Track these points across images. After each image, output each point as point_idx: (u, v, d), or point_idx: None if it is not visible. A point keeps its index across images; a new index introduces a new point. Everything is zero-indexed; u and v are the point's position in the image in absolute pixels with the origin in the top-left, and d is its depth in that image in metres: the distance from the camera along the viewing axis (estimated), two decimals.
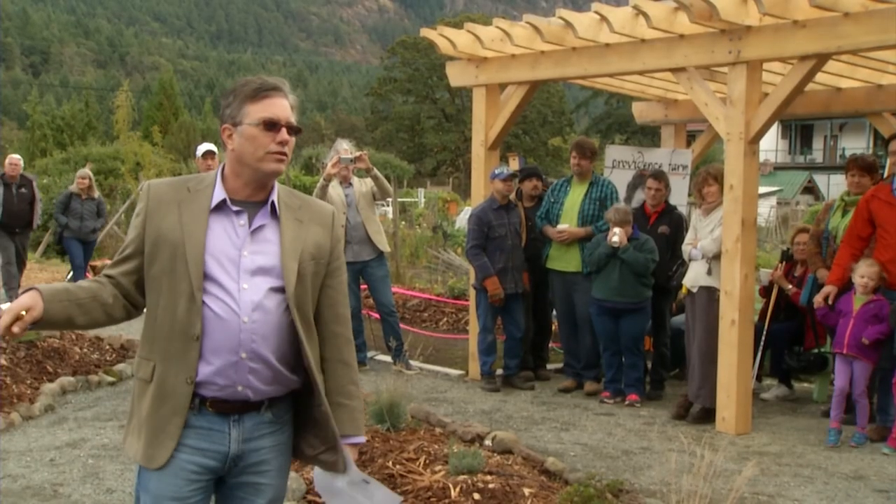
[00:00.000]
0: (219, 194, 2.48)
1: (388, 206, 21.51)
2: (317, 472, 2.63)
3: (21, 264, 11.58)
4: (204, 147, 8.77)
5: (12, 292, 10.87)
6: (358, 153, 7.90)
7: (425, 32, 8.11)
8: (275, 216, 2.51)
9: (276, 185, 2.55)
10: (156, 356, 2.46)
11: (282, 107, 2.48)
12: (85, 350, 8.12)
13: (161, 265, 2.44)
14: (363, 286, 8.32)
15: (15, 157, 11.65)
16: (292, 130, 2.49)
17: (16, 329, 2.29)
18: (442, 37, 7.83)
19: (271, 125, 2.44)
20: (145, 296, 2.52)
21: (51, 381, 7.19)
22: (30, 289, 2.37)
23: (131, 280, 2.51)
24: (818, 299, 6.26)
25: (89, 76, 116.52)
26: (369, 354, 8.52)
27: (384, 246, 8.09)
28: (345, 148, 7.98)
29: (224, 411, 2.46)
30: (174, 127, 48.72)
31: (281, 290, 2.45)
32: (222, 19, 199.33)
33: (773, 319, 7.26)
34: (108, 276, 2.52)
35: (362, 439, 2.67)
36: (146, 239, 2.47)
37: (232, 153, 2.49)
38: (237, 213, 2.48)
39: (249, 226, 2.47)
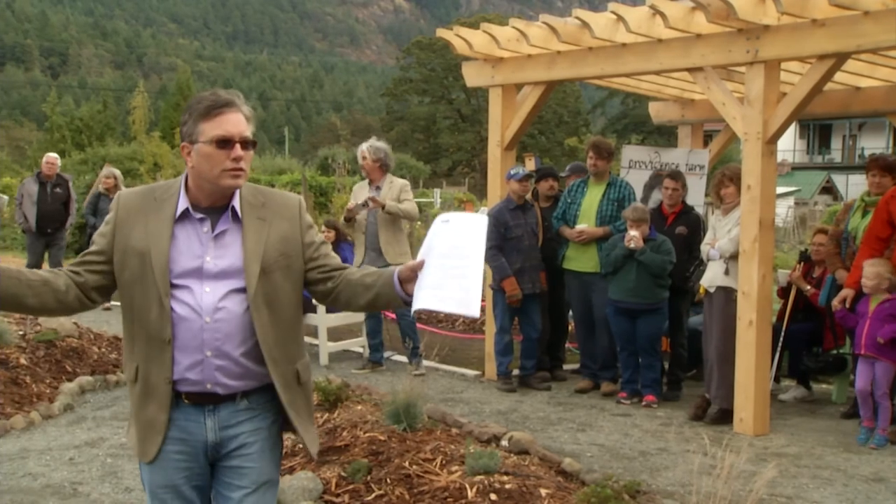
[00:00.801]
0: (182, 204, 2.60)
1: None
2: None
3: (58, 266, 11.51)
4: None
5: None
6: (369, 197, 7.84)
7: (441, 33, 8.11)
8: (237, 220, 2.61)
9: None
10: (137, 357, 2.62)
11: (234, 122, 2.55)
12: (103, 350, 8.16)
13: (132, 273, 2.58)
14: None
15: (52, 156, 11.48)
16: (247, 144, 2.57)
17: None
18: (458, 37, 7.83)
19: (224, 143, 2.53)
20: (102, 295, 2.67)
21: (70, 380, 7.24)
22: None
23: (91, 277, 2.62)
24: (836, 303, 6.23)
25: (107, 77, 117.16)
26: (386, 354, 8.53)
27: (392, 258, 7.81)
28: (361, 149, 7.99)
29: (199, 402, 2.60)
30: None
31: (243, 290, 2.57)
32: (238, 20, 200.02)
33: (792, 320, 7.22)
34: (70, 270, 2.63)
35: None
36: (115, 247, 2.61)
37: (192, 170, 2.59)
38: (200, 220, 2.59)
39: (212, 231, 2.58)
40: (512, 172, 7.57)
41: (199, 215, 2.59)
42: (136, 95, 23.52)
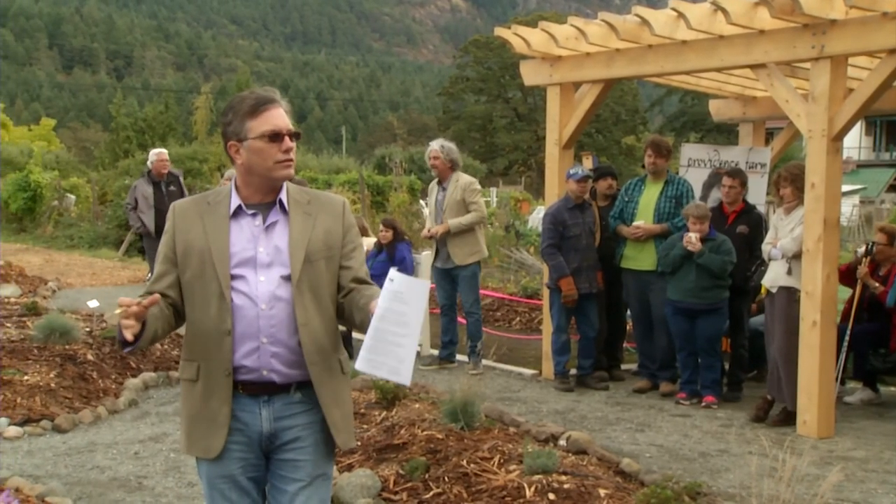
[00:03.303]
0: (235, 202, 2.73)
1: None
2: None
3: None
4: None
5: None
6: (436, 230, 7.94)
7: (500, 32, 8.10)
8: (285, 212, 2.74)
9: (286, 184, 2.78)
10: (198, 356, 2.70)
11: (280, 116, 2.70)
12: (166, 346, 8.33)
13: (192, 271, 2.69)
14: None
15: (163, 152, 10.77)
16: (293, 136, 2.71)
17: (134, 308, 2.48)
18: (516, 36, 7.82)
19: (275, 136, 2.66)
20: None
21: (134, 376, 7.41)
22: None
23: (175, 291, 2.74)
24: None
25: (169, 78, 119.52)
26: (434, 353, 8.55)
27: (461, 259, 7.93)
28: (433, 148, 8.08)
29: (254, 393, 2.68)
30: None
31: (289, 278, 2.68)
32: (297, 21, 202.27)
33: (857, 320, 7.05)
34: (160, 294, 2.70)
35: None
36: (176, 251, 2.73)
37: (241, 167, 2.72)
38: (252, 215, 2.73)
39: (263, 223, 2.71)
40: (571, 172, 7.54)
41: (251, 210, 2.72)
42: (199, 96, 23.95)
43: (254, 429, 2.69)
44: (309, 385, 2.70)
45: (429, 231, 8.10)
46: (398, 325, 2.47)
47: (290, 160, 2.70)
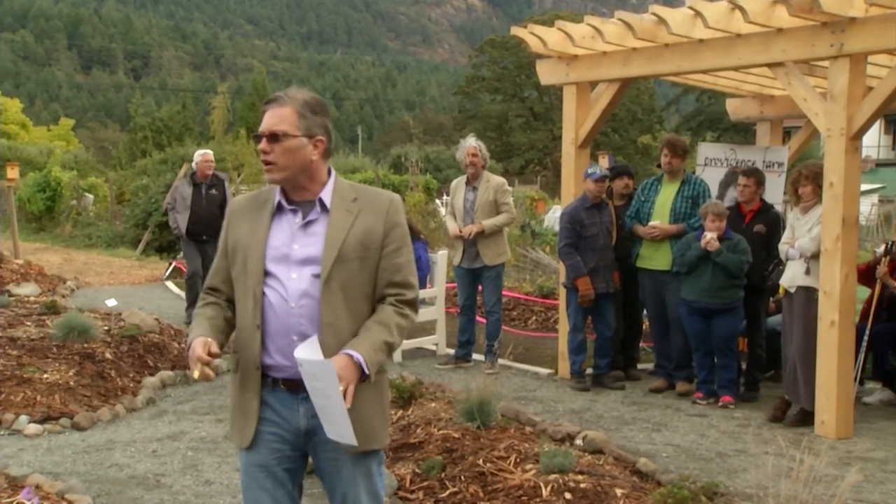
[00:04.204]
0: (278, 199, 2.76)
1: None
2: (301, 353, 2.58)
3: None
4: None
5: (191, 312, 9.61)
6: (469, 230, 7.91)
7: (516, 31, 8.10)
8: (325, 211, 2.74)
9: (332, 181, 2.77)
10: (238, 348, 2.77)
11: (268, 117, 2.69)
12: (183, 345, 8.37)
13: (238, 268, 2.77)
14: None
15: (208, 154, 10.18)
16: (274, 138, 2.66)
17: (209, 372, 2.57)
18: (532, 35, 7.80)
19: (257, 139, 2.71)
20: None
21: (151, 374, 7.45)
22: (196, 337, 2.66)
23: (228, 286, 2.83)
24: None
25: (186, 78, 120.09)
26: (450, 352, 8.56)
27: (491, 260, 7.97)
28: (472, 145, 8.05)
29: (294, 389, 2.70)
30: None
31: (320, 275, 2.68)
32: (313, 20, 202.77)
33: (876, 320, 7.00)
34: (214, 289, 2.86)
35: (359, 358, 2.60)
36: (228, 247, 2.81)
37: None
38: (293, 211, 2.75)
39: (303, 221, 2.73)
40: (589, 172, 7.52)
41: (292, 207, 2.75)
42: (217, 96, 24.07)
43: (292, 424, 2.72)
44: None
45: (460, 231, 8.01)
46: (324, 399, 2.53)
47: (266, 162, 2.68)
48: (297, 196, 2.74)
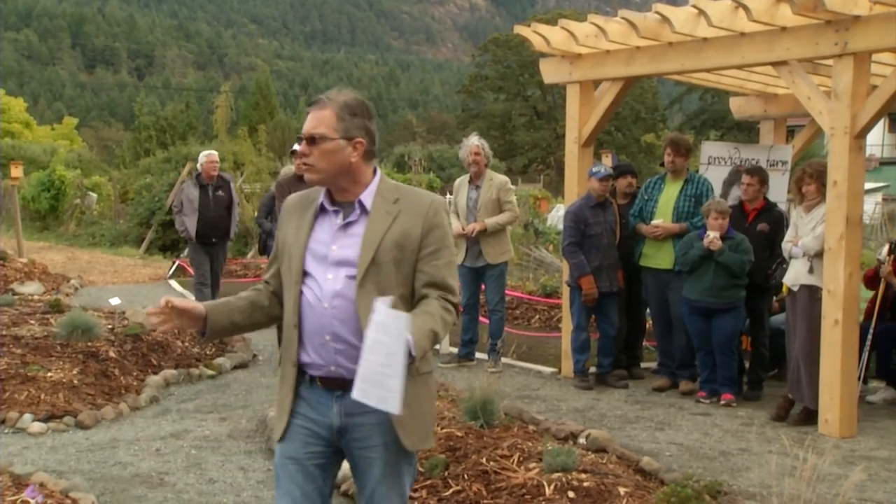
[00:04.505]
0: (321, 199, 2.80)
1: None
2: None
3: (216, 284, 9.88)
4: (296, 146, 9.04)
5: None
6: (472, 228, 7.91)
7: (519, 29, 8.09)
8: (365, 212, 2.75)
9: (375, 183, 2.78)
10: (283, 345, 2.84)
11: (309, 120, 2.74)
12: (186, 344, 8.38)
13: (285, 266, 2.83)
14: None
15: (213, 154, 9.96)
16: (310, 140, 2.72)
17: (176, 322, 2.71)
18: (536, 34, 7.80)
19: (299, 141, 2.82)
20: None
21: (155, 373, 7.46)
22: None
23: (277, 281, 2.88)
24: None
25: (190, 77, 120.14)
26: (453, 350, 8.56)
27: (493, 258, 7.96)
28: (475, 143, 8.05)
29: (329, 387, 2.74)
30: (270, 126, 49.71)
31: (354, 278, 2.70)
32: (316, 20, 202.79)
33: (880, 319, 6.99)
34: (264, 281, 2.94)
35: (409, 339, 2.54)
36: (278, 245, 2.88)
37: None
38: (335, 212, 2.78)
39: (343, 222, 2.75)
40: (593, 170, 7.52)
41: (334, 208, 2.78)
42: (220, 95, 24.00)
43: (325, 421, 2.75)
44: None
45: (463, 229, 8.00)
46: (384, 356, 2.49)
47: (305, 164, 2.75)
48: (340, 197, 2.78)
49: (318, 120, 2.71)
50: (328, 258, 2.72)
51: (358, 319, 2.66)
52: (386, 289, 2.67)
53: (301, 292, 2.74)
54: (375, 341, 2.49)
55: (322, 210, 2.79)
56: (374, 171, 2.81)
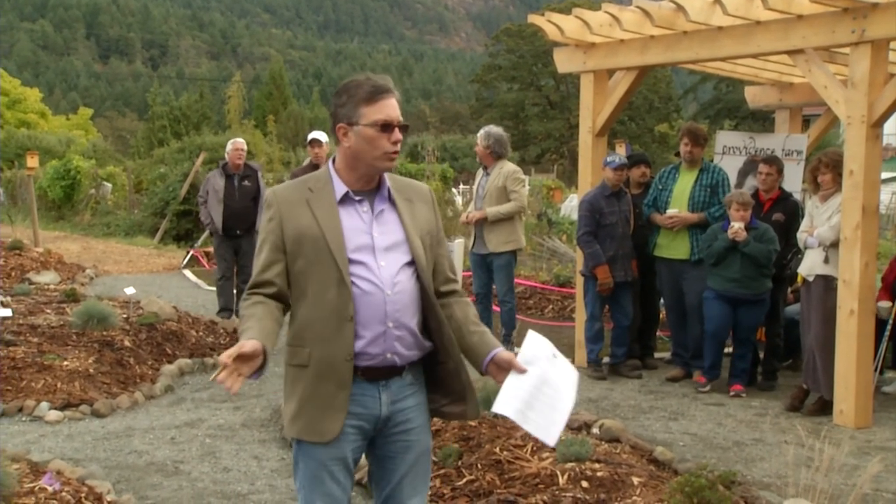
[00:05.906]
0: (340, 188, 2.74)
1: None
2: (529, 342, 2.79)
3: (245, 281, 8.80)
4: (310, 135, 9.06)
5: (225, 314, 9.23)
6: (473, 216, 7.97)
7: (533, 19, 8.06)
8: (391, 200, 2.78)
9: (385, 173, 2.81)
10: (310, 342, 2.68)
11: (393, 107, 2.70)
12: (201, 333, 8.42)
13: (306, 259, 2.68)
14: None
15: (240, 142, 9.61)
16: (403, 129, 2.73)
17: (245, 370, 2.50)
18: (549, 23, 7.77)
19: (387, 126, 2.67)
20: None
21: (170, 362, 7.50)
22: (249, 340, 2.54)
23: (283, 280, 2.73)
24: None
25: (203, 67, 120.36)
26: None
27: (495, 247, 7.92)
28: (479, 135, 8.12)
29: (374, 378, 2.71)
30: (283, 116, 49.75)
31: (411, 263, 2.73)
32: (330, 9, 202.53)
33: None
34: (266, 283, 2.71)
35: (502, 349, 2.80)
36: (286, 239, 2.70)
37: (348, 150, 2.72)
38: (359, 201, 2.74)
39: (372, 211, 2.74)
40: (608, 160, 7.49)
41: (358, 197, 2.75)
42: (232, 85, 24.13)
43: (373, 413, 2.72)
44: (417, 365, 2.78)
45: (466, 216, 8.09)
46: (554, 391, 2.62)
47: (397, 152, 2.72)
48: (364, 186, 2.75)
49: (398, 108, 2.72)
50: (374, 246, 2.69)
51: (415, 303, 2.71)
52: (429, 272, 2.76)
53: (352, 282, 2.64)
54: (551, 375, 2.65)
55: (344, 199, 2.72)
56: None
